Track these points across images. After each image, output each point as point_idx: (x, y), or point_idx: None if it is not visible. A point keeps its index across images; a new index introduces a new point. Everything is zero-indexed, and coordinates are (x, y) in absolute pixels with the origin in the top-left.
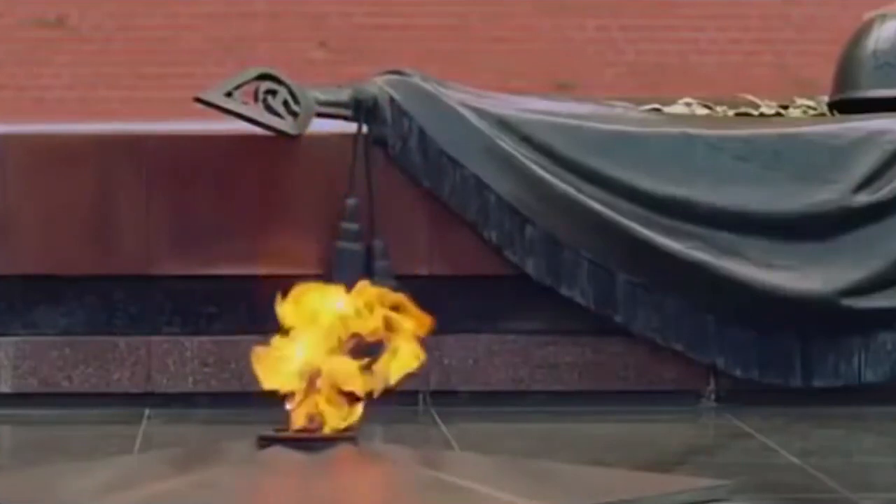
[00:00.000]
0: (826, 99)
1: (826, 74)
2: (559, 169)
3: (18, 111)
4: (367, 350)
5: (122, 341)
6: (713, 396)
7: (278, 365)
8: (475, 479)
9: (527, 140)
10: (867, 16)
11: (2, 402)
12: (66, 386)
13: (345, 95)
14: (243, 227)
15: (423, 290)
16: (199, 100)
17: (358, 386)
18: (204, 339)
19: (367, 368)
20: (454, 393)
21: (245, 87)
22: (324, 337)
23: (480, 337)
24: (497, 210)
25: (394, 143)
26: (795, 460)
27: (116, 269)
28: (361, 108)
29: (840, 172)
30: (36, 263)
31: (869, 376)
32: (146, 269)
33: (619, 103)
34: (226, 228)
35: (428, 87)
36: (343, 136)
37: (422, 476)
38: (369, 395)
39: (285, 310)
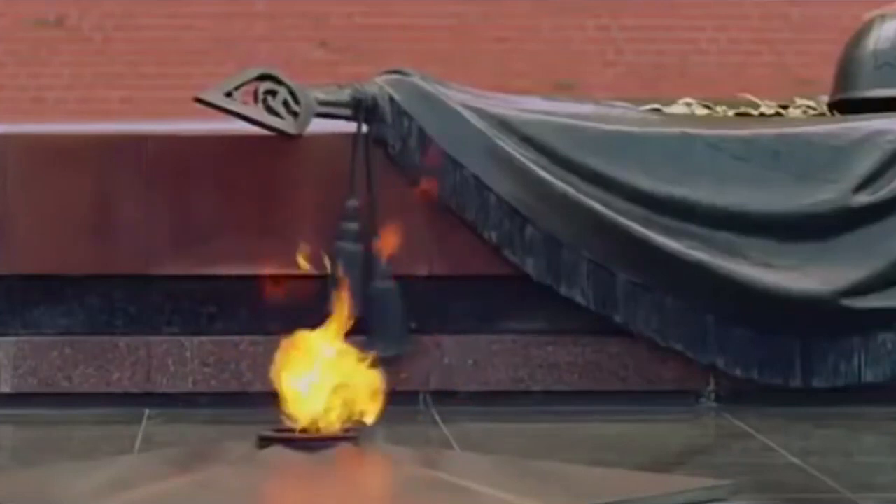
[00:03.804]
0: (826, 99)
1: (826, 74)
2: (559, 169)
3: (18, 111)
4: None
5: (122, 341)
6: (713, 396)
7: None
8: (475, 479)
9: (527, 140)
10: (867, 16)
11: (2, 402)
12: (66, 386)
13: (345, 95)
14: (243, 227)
15: (423, 290)
16: (199, 100)
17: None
18: (204, 339)
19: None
20: (454, 393)
21: (245, 87)
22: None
23: (480, 337)
24: (497, 210)
25: (394, 143)
26: (795, 460)
27: (116, 269)
28: (361, 108)
29: (840, 172)
30: (36, 263)
31: (869, 376)
32: (146, 268)
33: (618, 103)
34: (226, 228)
35: (428, 87)
36: (343, 136)
37: (422, 476)
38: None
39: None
